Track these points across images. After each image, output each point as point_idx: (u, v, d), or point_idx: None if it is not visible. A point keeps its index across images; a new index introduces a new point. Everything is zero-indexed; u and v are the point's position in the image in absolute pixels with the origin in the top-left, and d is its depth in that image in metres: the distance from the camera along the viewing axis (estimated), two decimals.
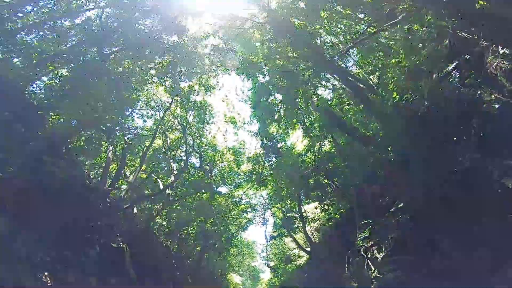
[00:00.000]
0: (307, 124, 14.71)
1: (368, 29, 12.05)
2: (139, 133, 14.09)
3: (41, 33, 12.84)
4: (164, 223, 16.74)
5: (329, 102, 15.32)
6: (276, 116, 14.61)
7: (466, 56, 9.25)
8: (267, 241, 22.09)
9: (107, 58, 12.01)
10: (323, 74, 17.21)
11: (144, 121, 17.44)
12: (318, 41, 14.68)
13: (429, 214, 7.59)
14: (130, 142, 12.40)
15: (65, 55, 12.73)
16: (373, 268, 8.93)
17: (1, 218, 5.61)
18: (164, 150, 15.88)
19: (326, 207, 13.59)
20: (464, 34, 9.23)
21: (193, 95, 17.03)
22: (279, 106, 14.80)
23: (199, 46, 16.22)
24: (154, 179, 15.70)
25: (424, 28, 7.57)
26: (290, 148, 17.02)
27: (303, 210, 16.31)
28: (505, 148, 6.73)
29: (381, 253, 8.87)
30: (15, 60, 11.74)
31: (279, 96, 15.83)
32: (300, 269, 16.79)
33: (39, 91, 11.82)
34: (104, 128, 9.95)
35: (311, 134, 14.95)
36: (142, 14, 14.37)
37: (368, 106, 10.80)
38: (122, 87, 11.91)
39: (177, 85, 16.39)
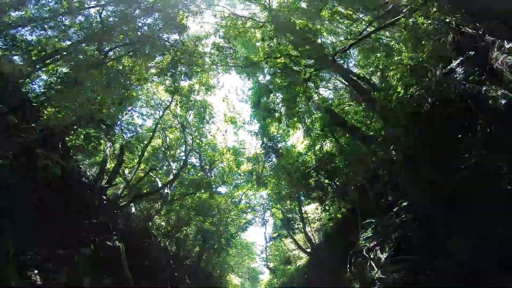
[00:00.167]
0: (308, 123, 14.44)
1: (370, 27, 11.83)
2: (138, 130, 13.78)
3: (42, 32, 12.64)
4: (163, 223, 16.40)
5: (330, 102, 15.09)
6: (276, 116, 14.35)
7: (470, 52, 9.03)
8: (266, 242, 21.71)
9: (106, 54, 11.74)
10: (323, 75, 17.02)
11: (144, 120, 17.20)
12: (319, 41, 14.49)
13: (435, 213, 7.29)
14: (129, 140, 12.09)
15: (65, 53, 12.49)
16: (376, 269, 8.59)
17: None
18: (163, 149, 15.57)
19: (327, 207, 13.25)
20: (468, 29, 9.00)
21: (193, 94, 16.78)
22: (280, 105, 14.54)
23: (199, 45, 15.99)
24: (153, 178, 15.38)
25: (430, 21, 7.31)
26: (290, 148, 16.72)
27: (303, 211, 15.99)
28: None
29: (384, 254, 8.53)
30: (15, 57, 11.51)
31: (279, 96, 15.61)
32: (300, 270, 16.40)
33: (37, 88, 11.60)
34: (102, 125, 9.62)
35: (311, 134, 14.68)
36: (142, 12, 14.15)
37: (370, 104, 10.53)
38: (121, 84, 11.66)
39: (177, 84, 16.14)
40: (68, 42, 12.83)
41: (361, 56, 16.13)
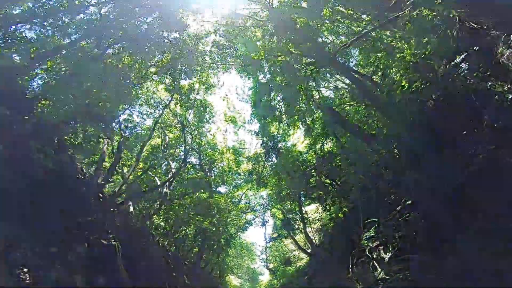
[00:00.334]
0: (309, 122, 14.16)
1: (373, 23, 11.58)
2: (136, 128, 13.50)
3: (42, 30, 12.44)
4: (162, 223, 16.05)
5: (330, 101, 14.82)
6: (277, 114, 14.07)
7: (475, 48, 8.78)
8: (266, 243, 21.31)
9: (105, 51, 11.50)
10: (325, 75, 16.76)
11: (144, 119, 16.91)
12: (320, 40, 14.26)
13: (441, 211, 6.97)
14: (126, 137, 11.79)
15: (64, 51, 12.27)
16: (379, 269, 8.25)
17: None
18: (162, 148, 15.27)
19: (328, 207, 12.91)
20: (472, 24, 8.75)
21: (193, 93, 16.52)
22: (280, 103, 14.26)
23: (199, 43, 15.77)
24: (152, 178, 15.07)
25: (434, 13, 7.05)
26: (291, 147, 16.41)
27: (303, 211, 15.64)
28: None
29: (388, 253, 8.20)
30: (14, 55, 11.29)
31: (280, 95, 15.34)
32: (300, 271, 16.01)
33: (36, 85, 11.35)
34: (100, 121, 9.35)
35: (312, 134, 14.39)
36: (142, 9, 13.93)
37: (373, 101, 10.26)
38: (120, 82, 11.42)
39: (177, 83, 15.89)
40: (68, 40, 12.63)
41: (361, 56, 15.90)
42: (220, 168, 18.14)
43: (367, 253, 8.72)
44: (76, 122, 8.45)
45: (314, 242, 14.68)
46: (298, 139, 17.43)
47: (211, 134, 17.71)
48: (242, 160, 18.14)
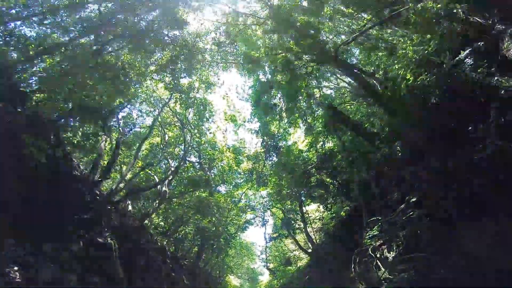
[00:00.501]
0: (310, 120, 13.91)
1: (373, 21, 11.36)
2: (135, 125, 13.22)
3: (41, 28, 12.23)
4: (161, 223, 15.75)
5: (331, 99, 14.59)
6: (277, 112, 13.82)
7: (479, 43, 8.56)
8: (266, 242, 20.98)
9: (103, 46, 11.24)
10: (326, 74, 16.52)
11: (143, 118, 16.65)
12: (321, 38, 14.05)
13: (448, 207, 6.70)
14: (125, 133, 11.51)
15: (63, 48, 12.02)
16: (383, 269, 7.96)
17: None
18: (162, 146, 14.99)
19: (329, 206, 12.62)
20: (477, 18, 8.52)
21: (193, 92, 16.27)
22: (281, 100, 14.00)
23: (200, 41, 15.53)
24: (151, 177, 14.78)
25: (439, 5, 6.81)
26: (291, 146, 16.14)
27: (304, 211, 15.34)
28: None
29: (391, 253, 7.90)
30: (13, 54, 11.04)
31: (280, 94, 15.10)
32: (301, 271, 15.69)
33: (34, 83, 11.09)
34: (98, 118, 9.07)
35: (313, 132, 14.13)
36: (142, 7, 13.69)
37: (375, 98, 10.01)
38: (117, 77, 11.15)
39: (177, 82, 15.64)
40: (67, 38, 12.39)
41: (362, 55, 15.68)
42: (220, 167, 17.85)
43: (370, 252, 8.42)
44: (73, 117, 8.16)
45: (315, 241, 14.38)
46: (298, 138, 17.17)
47: (210, 133, 17.46)
48: (242, 159, 17.87)
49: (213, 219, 14.62)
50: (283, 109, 13.90)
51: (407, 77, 7.04)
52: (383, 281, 7.79)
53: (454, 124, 7.87)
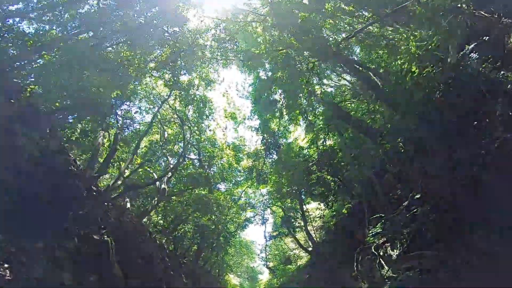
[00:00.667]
0: (310, 117, 13.65)
1: (374, 18, 11.12)
2: (134, 121, 12.93)
3: (40, 24, 11.98)
4: (161, 221, 15.46)
5: (332, 96, 14.35)
6: (278, 107, 13.56)
7: (485, 37, 8.32)
8: (266, 241, 20.70)
9: (102, 41, 10.95)
10: (325, 72, 16.27)
11: (143, 116, 16.37)
12: (322, 34, 13.81)
13: (454, 203, 6.44)
14: (123, 128, 11.22)
15: (62, 44, 11.74)
16: (386, 267, 7.70)
17: None
18: (161, 143, 14.70)
19: (330, 203, 12.35)
20: (482, 13, 8.28)
21: (193, 89, 15.98)
22: (282, 96, 13.73)
23: (200, 38, 15.25)
24: (151, 175, 14.48)
25: None
26: (291, 144, 15.87)
27: (304, 209, 15.07)
28: None
29: (395, 250, 7.65)
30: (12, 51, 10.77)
31: (280, 91, 14.86)
32: (301, 270, 15.41)
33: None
34: (95, 112, 8.78)
35: (314, 129, 13.88)
36: (142, 2, 13.41)
37: (378, 93, 9.75)
38: (117, 73, 10.89)
39: (177, 79, 15.36)
40: (66, 34, 12.11)
41: (363, 53, 15.46)
42: (220, 165, 17.57)
43: (373, 250, 8.17)
44: (69, 111, 7.88)
45: (315, 240, 14.11)
46: (298, 136, 16.90)
47: (210, 130, 17.17)
48: (242, 157, 17.58)
49: (213, 217, 14.33)
50: (284, 105, 13.64)
51: (413, 70, 6.77)
52: (387, 280, 7.54)
53: (459, 119, 7.64)
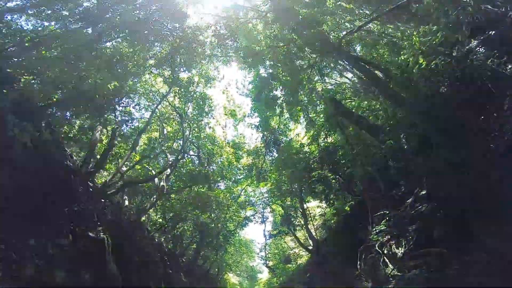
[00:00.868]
0: (311, 113, 13.38)
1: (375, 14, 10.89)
2: (132, 116, 12.60)
3: (38, 21, 11.69)
4: (160, 220, 15.15)
5: (333, 93, 14.08)
6: (278, 103, 13.28)
7: (490, 32, 8.09)
8: (266, 240, 20.37)
9: (100, 35, 10.64)
10: (325, 68, 16.01)
11: (141, 113, 16.05)
12: (323, 28, 13.58)
13: (462, 200, 6.19)
14: (121, 123, 10.90)
15: (59, 40, 11.44)
16: (391, 265, 7.43)
17: None
18: (160, 140, 14.38)
19: (331, 201, 12.07)
20: (489, 6, 8.06)
21: (193, 86, 15.69)
22: (282, 93, 13.46)
23: (200, 34, 14.96)
24: (150, 173, 14.15)
25: None
26: (292, 141, 15.58)
27: (305, 207, 14.78)
28: None
29: (400, 248, 7.38)
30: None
31: (281, 88, 14.60)
32: (301, 269, 15.11)
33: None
34: (92, 106, 8.45)
35: (315, 126, 13.62)
36: None
37: (381, 89, 9.49)
38: (115, 68, 10.59)
39: (176, 76, 15.07)
40: (64, 30, 11.81)
41: (364, 51, 15.23)
42: (220, 162, 17.26)
43: (377, 248, 7.89)
44: (65, 104, 7.56)
45: (316, 238, 13.83)
46: (298, 135, 16.61)
47: (210, 128, 16.84)
48: (241, 155, 17.28)
49: (212, 215, 14.02)
50: (284, 101, 13.36)
51: (420, 61, 6.52)
52: (391, 278, 7.27)
53: (466, 113, 7.41)
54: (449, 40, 7.80)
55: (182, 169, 15.29)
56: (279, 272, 19.11)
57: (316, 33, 11.59)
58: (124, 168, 11.31)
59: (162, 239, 13.45)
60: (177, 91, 15.17)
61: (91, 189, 7.89)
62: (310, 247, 14.66)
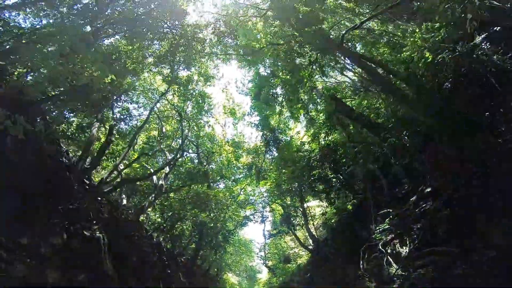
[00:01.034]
0: (312, 112, 13.16)
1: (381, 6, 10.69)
2: (131, 115, 12.32)
3: (36, 19, 11.44)
4: (158, 219, 14.86)
5: (334, 90, 13.88)
6: (278, 103, 13.07)
7: (496, 28, 7.92)
8: (265, 239, 20.08)
9: (99, 30, 10.37)
10: (325, 65, 15.82)
11: (140, 111, 15.77)
12: (324, 26, 13.40)
13: (469, 197, 5.96)
14: (120, 121, 10.64)
15: (58, 37, 11.16)
16: (395, 265, 7.19)
17: None
18: (159, 138, 14.10)
19: (332, 200, 11.83)
20: (495, 2, 7.86)
21: (192, 85, 15.43)
22: (282, 91, 13.23)
23: (199, 32, 14.72)
24: (149, 171, 13.86)
25: None
26: (293, 137, 15.35)
27: (305, 206, 14.53)
28: None
29: (405, 247, 7.14)
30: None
31: (281, 86, 14.40)
32: (302, 268, 14.84)
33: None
34: (87, 100, 8.18)
35: (315, 124, 13.40)
36: None
37: (384, 86, 9.29)
38: (114, 67, 10.33)
39: (176, 74, 14.81)
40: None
41: (364, 50, 15.05)
42: (219, 161, 16.98)
43: (380, 247, 7.65)
44: (59, 98, 7.28)
45: (316, 238, 13.57)
46: (299, 133, 16.39)
47: (209, 126, 16.59)
48: (241, 154, 17.02)
49: (211, 214, 13.74)
50: (284, 100, 13.14)
51: (426, 55, 6.30)
52: (395, 278, 7.03)
53: (470, 109, 7.21)
54: (452, 37, 7.63)
55: (181, 168, 15.01)
56: (278, 272, 18.83)
57: (317, 30, 11.40)
58: (122, 166, 11.03)
59: (161, 239, 13.15)
60: (176, 89, 14.92)
61: (87, 187, 7.61)
62: (310, 247, 14.41)
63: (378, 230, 7.98)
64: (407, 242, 7.05)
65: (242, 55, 14.75)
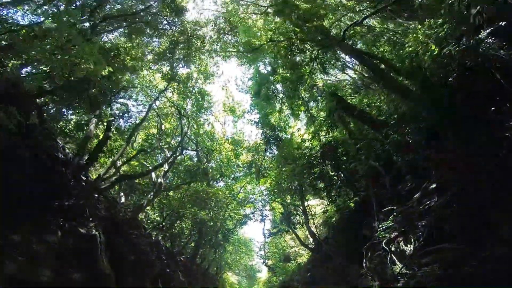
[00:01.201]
0: (312, 109, 12.95)
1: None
2: (129, 112, 12.07)
3: (35, 16, 11.23)
4: (157, 217, 14.59)
5: (335, 88, 13.69)
6: (278, 102, 12.85)
7: (501, 23, 7.71)
8: (265, 238, 19.82)
9: (97, 24, 10.15)
10: (326, 62, 15.65)
11: (139, 109, 15.52)
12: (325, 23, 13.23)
13: (477, 193, 5.75)
14: (118, 116, 10.38)
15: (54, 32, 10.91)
16: (399, 263, 6.96)
17: None
18: (158, 136, 13.84)
19: (333, 198, 11.60)
20: None
21: (191, 82, 15.20)
22: (283, 87, 13.01)
23: (199, 29, 14.50)
24: (146, 169, 13.60)
25: None
26: (292, 137, 15.12)
27: (306, 205, 14.29)
28: None
29: (409, 245, 6.91)
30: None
31: (281, 84, 14.19)
32: (302, 267, 14.59)
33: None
34: (85, 95, 7.93)
35: (316, 121, 13.19)
36: None
37: (386, 82, 9.08)
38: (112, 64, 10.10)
39: (175, 71, 14.58)
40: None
41: (365, 48, 14.87)
42: (218, 159, 16.72)
43: (383, 245, 7.42)
44: (57, 94, 7.03)
45: (317, 236, 13.34)
46: (299, 130, 16.17)
47: (209, 124, 16.34)
48: (241, 152, 16.77)
49: (211, 213, 13.48)
50: (285, 97, 12.92)
51: (432, 48, 6.09)
52: (399, 277, 6.79)
53: (476, 103, 7.01)
54: (456, 34, 7.44)
55: (180, 165, 14.76)
56: (278, 271, 18.58)
57: (318, 26, 11.21)
58: (120, 163, 10.76)
59: (160, 237, 12.88)
60: (176, 86, 14.70)
61: (83, 183, 7.35)
62: (311, 246, 14.18)
63: (381, 228, 7.75)
64: (412, 240, 6.82)
65: (242, 52, 14.54)
